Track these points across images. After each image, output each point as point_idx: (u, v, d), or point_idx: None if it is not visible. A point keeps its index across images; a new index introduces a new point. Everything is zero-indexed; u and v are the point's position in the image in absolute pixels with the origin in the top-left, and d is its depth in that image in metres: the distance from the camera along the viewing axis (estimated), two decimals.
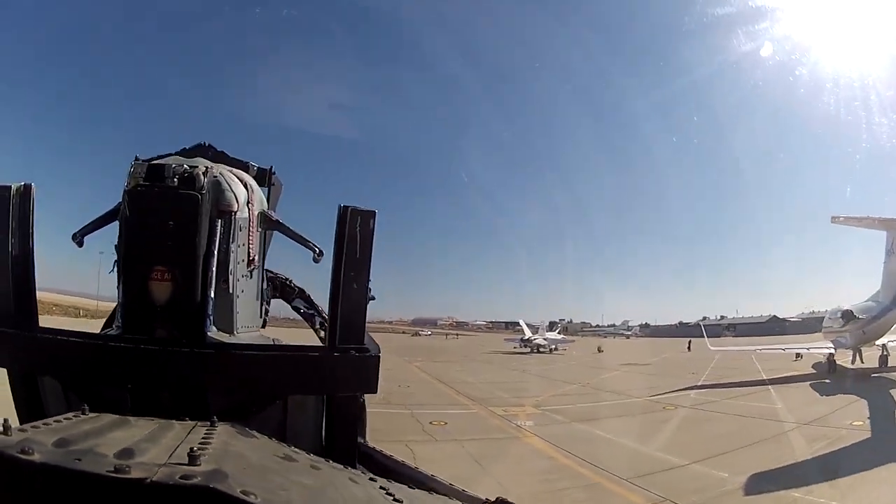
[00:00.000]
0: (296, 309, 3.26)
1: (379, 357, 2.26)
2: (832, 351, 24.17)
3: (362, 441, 2.61)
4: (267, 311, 3.03)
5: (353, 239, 2.15)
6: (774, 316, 64.78)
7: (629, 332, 70.96)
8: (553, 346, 48.15)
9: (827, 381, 22.71)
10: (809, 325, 55.40)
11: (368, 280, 2.22)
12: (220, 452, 1.37)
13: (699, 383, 25.15)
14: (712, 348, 29.57)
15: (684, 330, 67.55)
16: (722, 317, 73.93)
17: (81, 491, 1.12)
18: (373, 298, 2.35)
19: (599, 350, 47.48)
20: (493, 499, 1.78)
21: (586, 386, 27.11)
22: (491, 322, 69.87)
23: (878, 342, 22.97)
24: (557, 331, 55.11)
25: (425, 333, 49.42)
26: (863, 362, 23.77)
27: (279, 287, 3.23)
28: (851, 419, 17.19)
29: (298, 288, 3.30)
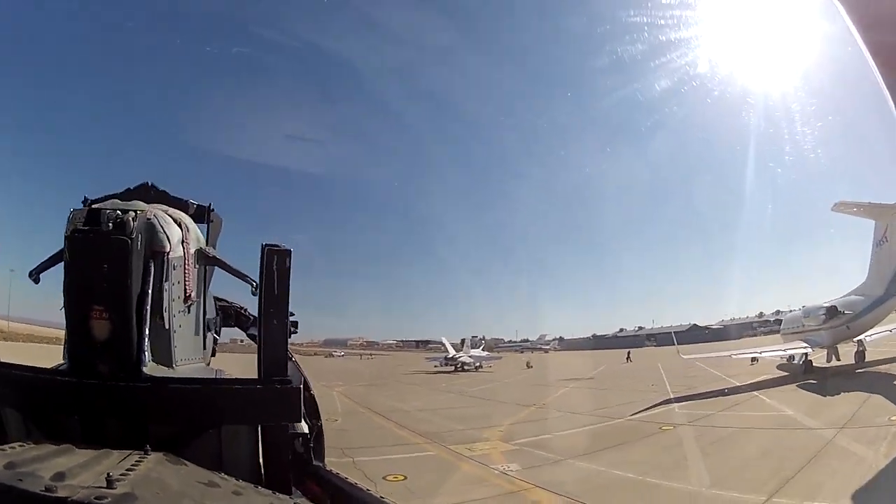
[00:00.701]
0: (251, 337, 3.18)
1: (300, 389, 2.34)
2: (807, 351, 22.50)
3: (320, 465, 2.73)
4: (215, 341, 3.18)
5: (271, 276, 2.28)
6: (695, 324, 66.00)
7: (547, 347, 69.16)
8: (478, 364, 43.91)
9: (812, 381, 20.74)
10: (731, 331, 57.28)
11: (288, 314, 2.33)
12: (139, 478, 1.53)
13: (672, 396, 22.01)
14: (685, 357, 27.05)
15: (601, 342, 67.22)
16: (640, 327, 74.41)
17: None
18: (294, 332, 2.59)
19: (529, 366, 44.06)
20: None
21: (545, 408, 22.86)
22: (401, 341, 65.00)
23: (856, 338, 21.62)
24: (482, 348, 51.12)
25: (339, 354, 43.06)
26: (839, 360, 22.40)
27: (233, 316, 3.37)
28: (886, 414, 14.92)
29: (253, 317, 3.23)
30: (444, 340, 49.33)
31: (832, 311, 21.99)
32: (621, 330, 78.50)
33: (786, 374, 23.35)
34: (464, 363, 43.41)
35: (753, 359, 25.82)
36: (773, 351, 24.26)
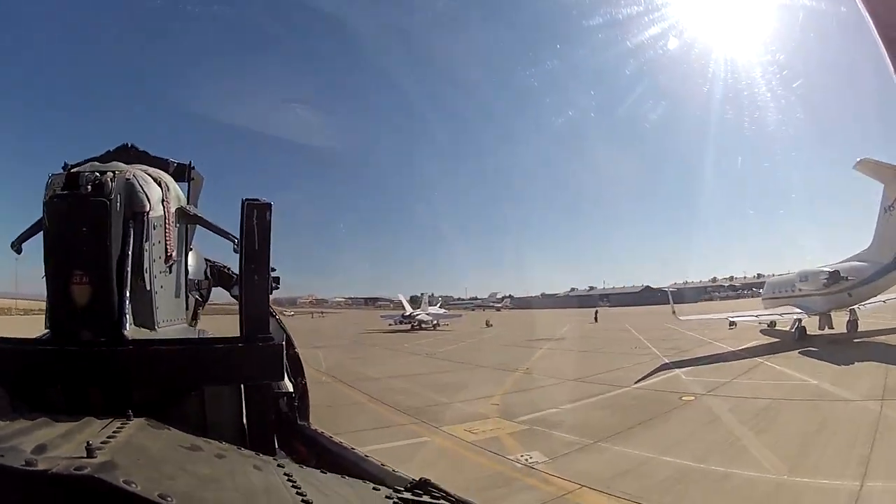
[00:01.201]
0: (235, 297, 2.87)
1: (282, 346, 2.25)
2: (801, 317, 21.42)
3: (305, 424, 2.65)
4: (197, 303, 3.06)
5: (252, 231, 2.19)
6: (647, 286, 67.24)
7: (499, 305, 68.04)
8: (436, 322, 41.35)
9: (813, 348, 19.33)
10: (686, 294, 58.27)
11: (269, 270, 2.25)
12: (120, 445, 1.46)
13: (668, 361, 20.14)
14: (682, 318, 25.35)
15: (551, 301, 67.09)
16: (591, 287, 74.97)
17: (1, 479, 1.28)
18: (276, 288, 2.51)
19: (489, 324, 41.98)
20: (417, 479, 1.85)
21: (532, 373, 20.33)
22: (350, 298, 62.30)
23: (852, 307, 20.61)
24: (438, 305, 48.43)
25: (289, 314, 38.79)
26: (832, 328, 21.37)
27: (216, 275, 3.26)
28: None
29: (237, 275, 2.88)
30: (401, 297, 46.45)
31: (835, 277, 20.61)
32: (572, 290, 79.06)
33: (775, 340, 22.11)
34: (421, 321, 40.57)
35: (732, 323, 24.70)
36: (769, 315, 22.90)
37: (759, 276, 63.90)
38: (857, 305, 21.03)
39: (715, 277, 67.58)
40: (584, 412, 13.93)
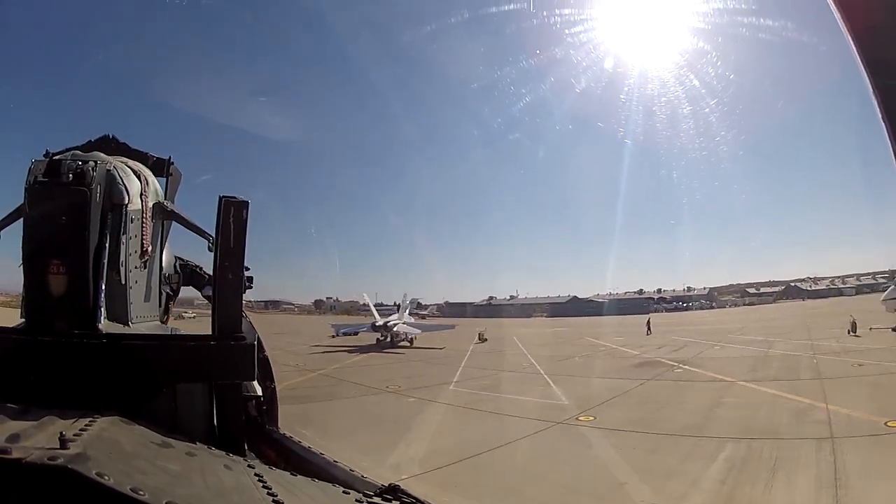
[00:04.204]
0: (207, 297, 2.88)
1: (254, 345, 2.07)
2: None
3: (273, 428, 2.55)
4: (169, 298, 2.87)
5: (228, 229, 2.06)
6: (575, 296, 59.66)
7: (425, 312, 54.44)
8: (411, 336, 25.55)
9: None
10: (617, 305, 53.88)
11: (244, 269, 2.12)
12: (92, 439, 1.41)
13: None
14: None
15: (462, 310, 58.42)
16: (512, 296, 64.76)
17: None
18: (250, 287, 2.35)
19: (482, 338, 27.19)
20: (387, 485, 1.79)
21: None
22: (251, 302, 43.48)
23: None
24: (408, 311, 31.90)
25: (190, 316, 19.12)
26: None
27: (189, 275, 3.09)
28: None
29: (209, 276, 2.94)
30: (366, 298, 29.41)
31: None
32: (491, 298, 68.04)
33: None
34: (395, 334, 24.27)
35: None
36: None
37: (689, 288, 60.60)
38: None
39: (642, 289, 61.93)
40: None
